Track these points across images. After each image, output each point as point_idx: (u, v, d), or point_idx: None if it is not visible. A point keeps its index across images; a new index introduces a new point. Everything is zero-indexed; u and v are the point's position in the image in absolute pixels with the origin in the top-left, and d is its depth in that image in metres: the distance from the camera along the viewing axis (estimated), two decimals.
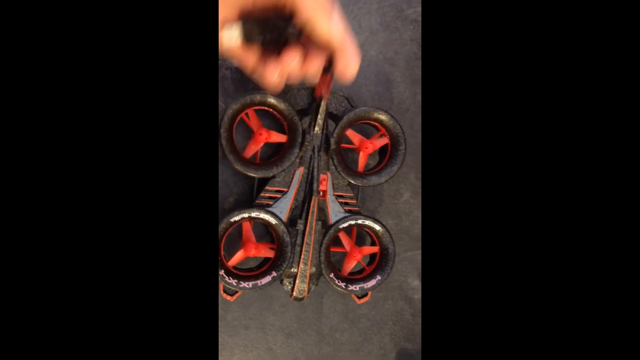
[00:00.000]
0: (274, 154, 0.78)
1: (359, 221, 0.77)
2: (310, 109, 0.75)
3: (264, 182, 0.75)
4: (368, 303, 0.88)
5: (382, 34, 0.84)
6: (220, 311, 0.81)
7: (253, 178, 0.77)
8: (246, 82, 0.77)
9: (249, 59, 0.47)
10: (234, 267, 0.75)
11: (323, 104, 0.73)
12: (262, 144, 0.74)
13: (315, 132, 0.74)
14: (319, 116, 0.73)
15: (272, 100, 0.72)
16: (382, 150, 0.82)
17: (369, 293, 0.81)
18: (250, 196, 0.79)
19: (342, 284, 0.77)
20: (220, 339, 0.82)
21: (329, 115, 0.76)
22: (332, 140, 0.73)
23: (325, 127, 0.75)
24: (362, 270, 0.83)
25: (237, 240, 0.79)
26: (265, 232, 0.81)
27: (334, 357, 0.88)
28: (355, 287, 0.78)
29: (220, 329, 0.82)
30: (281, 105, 0.72)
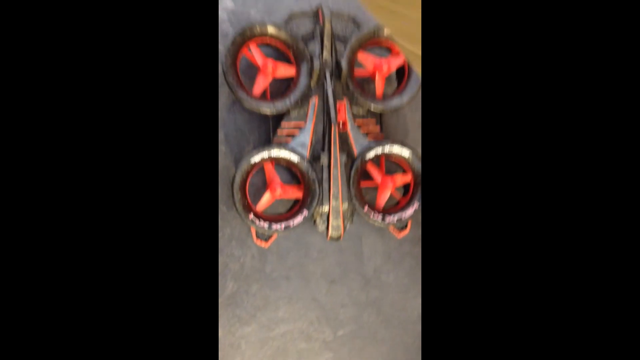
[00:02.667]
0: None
1: (386, 149, 0.72)
2: (315, 34, 0.71)
3: (279, 123, 0.72)
4: (410, 240, 0.83)
5: None
6: (257, 264, 0.79)
7: (268, 123, 0.74)
8: (242, 23, 0.74)
9: None
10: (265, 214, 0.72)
11: (328, 26, 0.69)
12: (270, 79, 0.71)
13: (324, 57, 0.69)
14: (325, 40, 0.69)
15: (272, 30, 0.68)
16: (400, 74, 0.77)
17: (409, 225, 0.76)
18: (268, 141, 0.76)
19: (379, 217, 0.73)
20: (262, 293, 0.80)
21: (337, 38, 0.71)
22: (344, 62, 0.68)
23: (334, 51, 0.70)
24: (397, 204, 0.78)
25: (263, 189, 0.76)
26: (291, 177, 0.78)
27: (383, 300, 0.84)
28: (393, 219, 0.73)
29: (260, 282, 0.79)
30: (282, 34, 0.68)
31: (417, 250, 0.84)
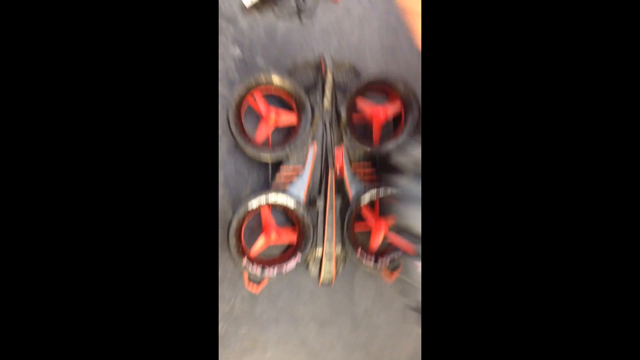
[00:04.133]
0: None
1: (381, 192, 0.74)
2: (317, 85, 0.72)
3: (278, 167, 0.72)
4: (402, 281, 0.84)
5: (381, 5, 0.82)
6: (247, 306, 0.78)
7: (268, 167, 0.74)
8: (250, 73, 0.75)
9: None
10: (259, 256, 0.72)
11: (329, 76, 0.71)
12: (273, 127, 0.72)
13: (324, 106, 0.71)
14: (326, 90, 0.71)
15: (277, 80, 0.69)
16: (396, 121, 0.79)
17: (402, 266, 0.77)
18: (266, 185, 0.76)
19: (371, 262, 0.73)
20: (250, 335, 0.79)
21: (338, 87, 0.73)
22: (343, 111, 0.70)
23: (334, 101, 0.72)
24: (390, 245, 0.79)
25: (258, 231, 0.76)
26: (285, 219, 0.78)
27: (373, 341, 0.84)
28: (386, 260, 0.74)
29: (249, 325, 0.78)
30: (286, 85, 0.70)
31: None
